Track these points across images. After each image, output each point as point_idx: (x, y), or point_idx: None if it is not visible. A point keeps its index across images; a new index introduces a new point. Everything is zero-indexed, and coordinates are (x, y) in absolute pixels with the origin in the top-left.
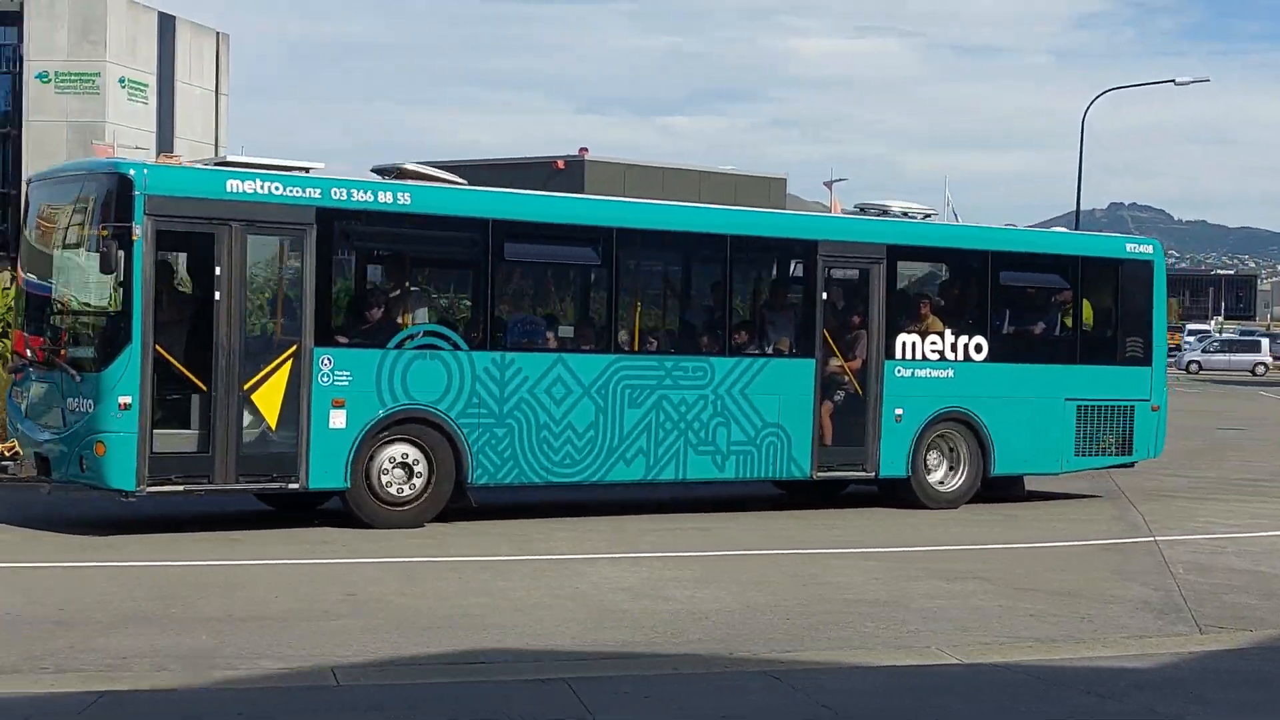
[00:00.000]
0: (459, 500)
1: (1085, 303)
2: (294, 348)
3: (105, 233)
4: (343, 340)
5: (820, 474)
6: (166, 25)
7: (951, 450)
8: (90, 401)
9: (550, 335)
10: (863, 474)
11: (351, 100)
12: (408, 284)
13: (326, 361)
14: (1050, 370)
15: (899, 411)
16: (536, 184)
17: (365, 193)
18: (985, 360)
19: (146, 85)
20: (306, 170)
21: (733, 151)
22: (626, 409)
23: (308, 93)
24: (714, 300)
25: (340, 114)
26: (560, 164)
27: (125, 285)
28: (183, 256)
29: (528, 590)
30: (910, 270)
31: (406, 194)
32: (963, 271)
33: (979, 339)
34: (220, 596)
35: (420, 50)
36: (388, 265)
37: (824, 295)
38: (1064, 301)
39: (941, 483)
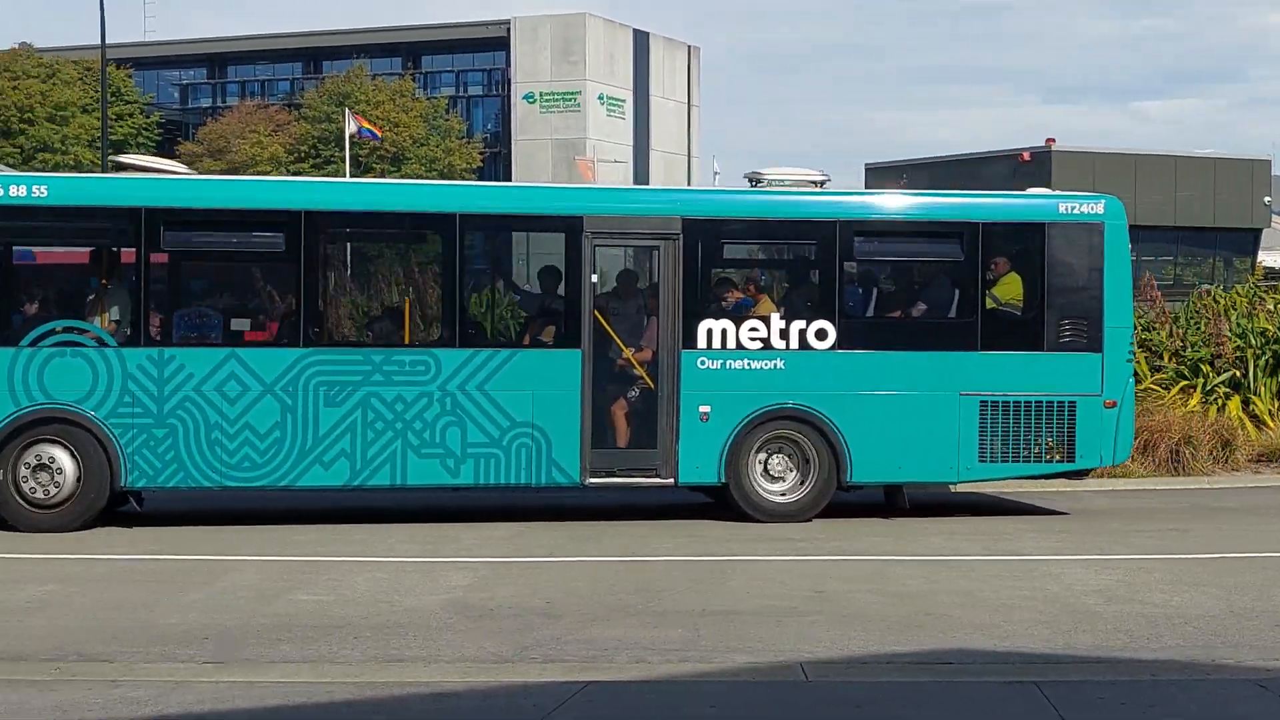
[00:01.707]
0: (122, 504)
1: (990, 277)
2: None
3: None
4: None
5: (595, 479)
6: (641, 42)
7: (806, 459)
8: None
9: (223, 329)
10: (656, 480)
11: (818, 104)
12: (46, 278)
13: None
14: (933, 359)
15: (704, 409)
16: (1003, 177)
17: None
18: (831, 349)
19: (623, 101)
20: None
21: (1210, 135)
22: (322, 408)
23: (775, 99)
24: (437, 287)
25: (807, 118)
26: (1025, 156)
27: None
28: None
29: (996, 590)
30: (727, 246)
31: (43, 186)
32: (798, 246)
33: (821, 324)
34: (695, 591)
35: (885, 50)
36: (20, 259)
37: (593, 278)
38: (955, 277)
39: (784, 492)
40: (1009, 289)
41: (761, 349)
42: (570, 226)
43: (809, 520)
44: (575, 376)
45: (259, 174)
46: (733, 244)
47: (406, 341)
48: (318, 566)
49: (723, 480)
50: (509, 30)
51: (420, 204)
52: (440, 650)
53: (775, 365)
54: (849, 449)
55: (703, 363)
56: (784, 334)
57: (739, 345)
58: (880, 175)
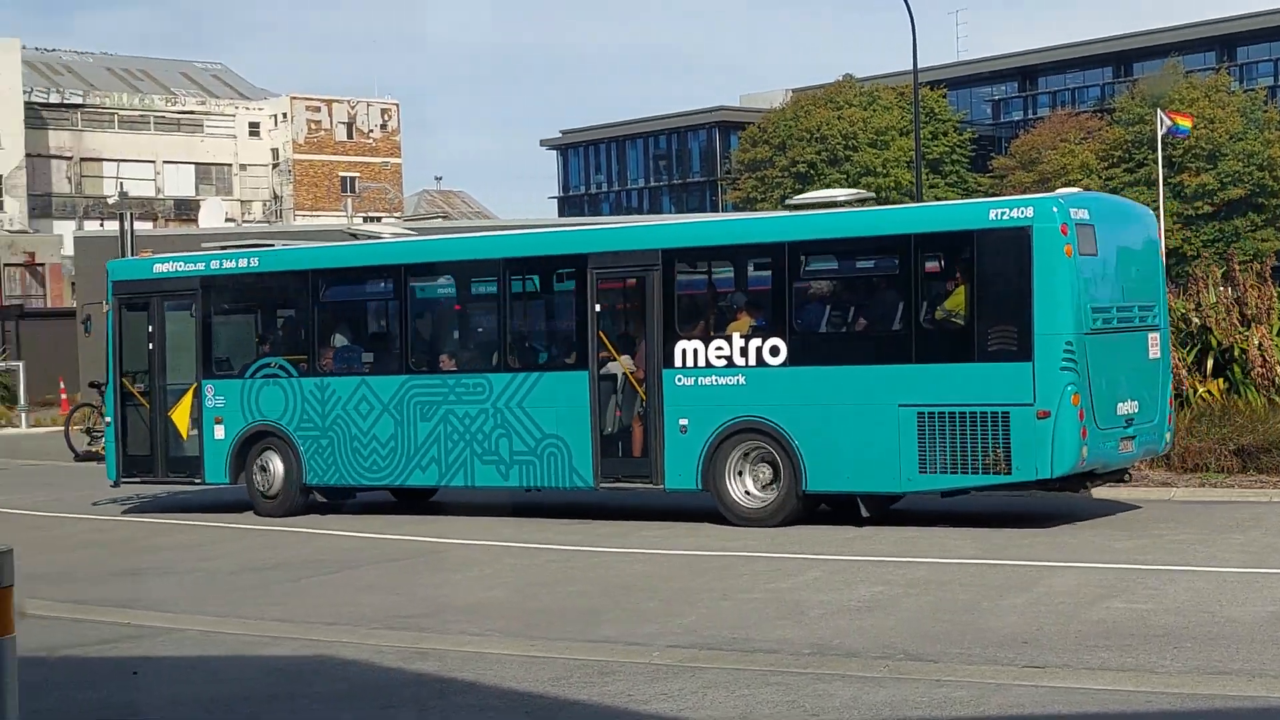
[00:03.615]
0: (338, 498)
1: (923, 288)
2: (194, 381)
3: (103, 307)
4: (219, 373)
5: (606, 484)
6: None
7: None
8: None
9: (358, 361)
10: (650, 485)
11: None
12: (260, 325)
13: (210, 390)
14: (873, 372)
15: (683, 422)
16: None
17: (232, 261)
18: (784, 364)
19: None
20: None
21: None
22: (419, 422)
23: None
24: (491, 320)
25: None
26: None
27: (108, 343)
28: (142, 319)
29: None
30: (695, 272)
31: (256, 258)
32: (755, 267)
33: (775, 341)
34: None
35: None
36: (247, 312)
37: (597, 307)
38: (893, 289)
39: (764, 500)
40: (942, 299)
41: (726, 366)
42: (579, 264)
43: (778, 525)
44: (584, 394)
45: (1068, 183)
46: (698, 270)
47: (470, 368)
48: (1135, 575)
49: (701, 487)
50: None
51: (471, 254)
52: (1266, 664)
53: (738, 381)
54: (803, 459)
55: (680, 380)
56: (744, 351)
57: (708, 363)
58: None
